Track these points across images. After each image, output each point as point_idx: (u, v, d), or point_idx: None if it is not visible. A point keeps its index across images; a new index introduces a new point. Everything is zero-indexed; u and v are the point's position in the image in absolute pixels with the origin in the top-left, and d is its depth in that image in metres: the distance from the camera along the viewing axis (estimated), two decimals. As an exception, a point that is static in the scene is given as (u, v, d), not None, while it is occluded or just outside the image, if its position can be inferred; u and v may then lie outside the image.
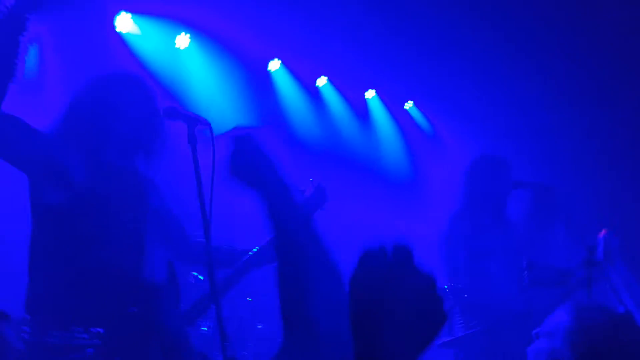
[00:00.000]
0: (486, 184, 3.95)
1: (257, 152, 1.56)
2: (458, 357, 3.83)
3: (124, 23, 4.63)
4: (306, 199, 2.79)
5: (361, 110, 6.51)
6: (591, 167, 5.77)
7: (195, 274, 3.67)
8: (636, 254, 3.09)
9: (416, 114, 6.81)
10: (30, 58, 2.70)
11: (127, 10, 4.62)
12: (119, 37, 4.64)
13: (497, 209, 4.01)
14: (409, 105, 6.77)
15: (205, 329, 3.74)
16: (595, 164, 5.76)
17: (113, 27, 4.59)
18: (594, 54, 5.20)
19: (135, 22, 4.67)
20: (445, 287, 3.86)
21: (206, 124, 2.40)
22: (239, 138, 1.61)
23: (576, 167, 5.76)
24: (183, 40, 4.98)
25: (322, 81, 6.13)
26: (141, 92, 2.66)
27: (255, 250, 2.83)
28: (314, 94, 6.12)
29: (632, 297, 3.00)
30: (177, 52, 5.01)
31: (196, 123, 2.40)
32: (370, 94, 6.50)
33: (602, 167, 5.76)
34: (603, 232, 2.78)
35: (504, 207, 4.01)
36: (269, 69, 5.67)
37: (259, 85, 5.58)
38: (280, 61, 5.69)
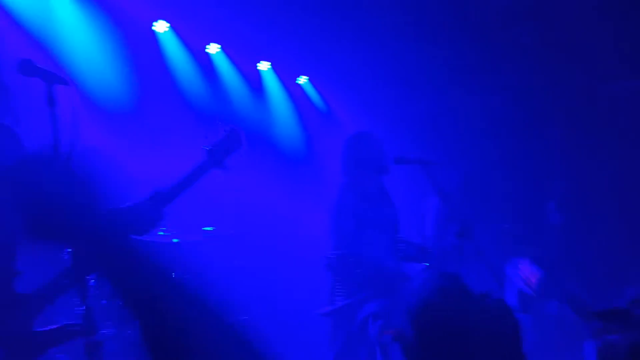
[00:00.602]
0: (366, 158, 4.03)
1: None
2: (337, 325, 3.85)
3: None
4: (219, 141, 2.76)
5: (254, 82, 6.36)
6: (476, 146, 6.01)
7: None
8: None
9: (310, 90, 6.76)
10: None
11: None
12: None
13: (378, 182, 4.11)
14: (303, 80, 6.71)
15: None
16: (479, 141, 5.99)
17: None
18: (477, 33, 5.36)
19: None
20: (330, 254, 3.88)
21: (68, 82, 2.18)
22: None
23: (463, 143, 5.99)
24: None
25: (213, 49, 5.91)
26: None
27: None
28: (205, 62, 5.89)
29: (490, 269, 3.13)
30: (53, 8, 4.61)
31: (56, 81, 2.18)
32: (264, 66, 6.36)
33: (487, 145, 6.00)
34: None
35: (383, 180, 4.11)
36: (154, 29, 5.37)
37: (144, 47, 5.27)
38: (168, 24, 5.40)
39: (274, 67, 6.40)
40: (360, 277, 3.80)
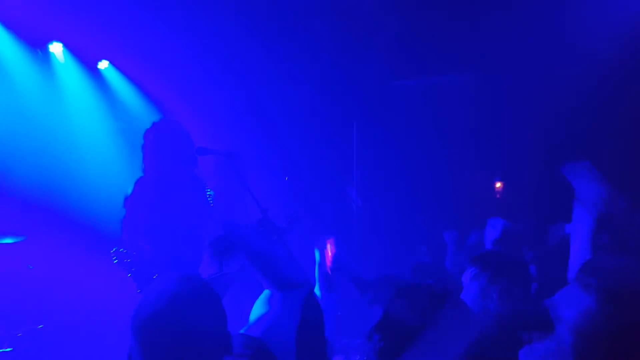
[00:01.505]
0: (165, 148, 3.90)
1: None
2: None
3: None
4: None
5: (45, 64, 5.81)
6: (287, 137, 6.16)
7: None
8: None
9: (111, 74, 6.35)
10: None
11: None
12: None
13: (178, 173, 3.99)
14: (103, 65, 6.27)
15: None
16: (291, 133, 6.16)
17: None
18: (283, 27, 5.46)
19: None
20: (121, 249, 3.73)
21: None
22: None
23: (277, 134, 6.12)
24: None
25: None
26: None
27: None
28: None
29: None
30: None
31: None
32: (56, 48, 5.84)
33: (298, 137, 6.17)
34: None
35: (185, 170, 3.99)
36: None
37: None
38: None
39: (68, 49, 5.90)
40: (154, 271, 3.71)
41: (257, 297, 2.08)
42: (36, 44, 5.68)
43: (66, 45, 5.88)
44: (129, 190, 3.88)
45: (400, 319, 1.56)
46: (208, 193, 4.16)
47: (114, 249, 3.70)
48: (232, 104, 6.17)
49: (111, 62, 6.28)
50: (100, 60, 6.22)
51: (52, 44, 5.80)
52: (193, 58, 5.90)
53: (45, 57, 5.81)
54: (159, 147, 3.93)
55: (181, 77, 6.12)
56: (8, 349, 4.24)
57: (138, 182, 3.90)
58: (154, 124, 4.06)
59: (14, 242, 4.59)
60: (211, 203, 4.20)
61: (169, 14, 5.27)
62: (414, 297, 1.60)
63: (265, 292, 2.05)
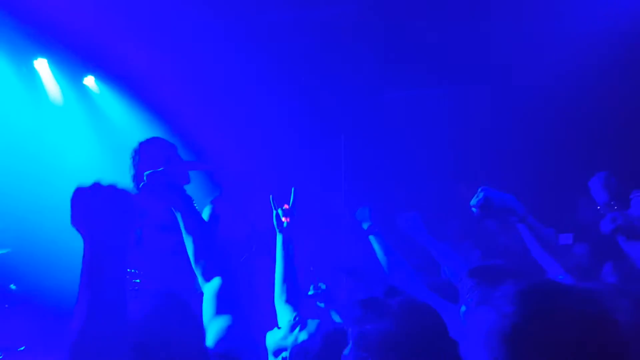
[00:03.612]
0: (153, 166, 3.82)
1: None
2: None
3: None
4: None
5: (30, 79, 5.75)
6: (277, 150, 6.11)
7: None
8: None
9: (98, 89, 6.29)
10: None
11: None
12: None
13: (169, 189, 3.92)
14: (89, 80, 6.22)
15: None
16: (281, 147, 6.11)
17: None
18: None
19: None
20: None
21: None
22: None
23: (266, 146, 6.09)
24: None
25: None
26: None
27: None
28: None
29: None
30: None
31: None
32: (40, 63, 5.78)
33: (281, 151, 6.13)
34: None
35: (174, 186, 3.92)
36: None
37: None
38: None
39: (54, 63, 5.85)
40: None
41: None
42: (21, 60, 5.62)
43: (51, 61, 5.82)
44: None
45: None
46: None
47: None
48: (216, 116, 6.11)
49: (96, 77, 6.23)
50: (86, 75, 6.18)
51: (37, 59, 5.75)
52: (178, 71, 5.85)
53: (30, 72, 5.75)
54: (147, 164, 3.85)
55: (166, 91, 6.06)
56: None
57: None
58: (139, 143, 3.98)
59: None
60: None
61: (151, 27, 5.24)
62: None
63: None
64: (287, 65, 5.67)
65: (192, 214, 2.35)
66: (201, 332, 1.64)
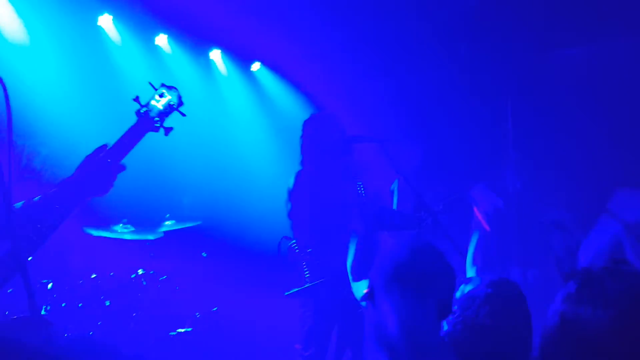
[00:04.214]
0: (323, 141, 3.98)
1: None
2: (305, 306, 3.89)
3: None
4: (152, 102, 2.64)
5: (206, 70, 6.28)
6: (431, 121, 6.06)
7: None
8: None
9: (264, 76, 6.70)
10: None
11: None
12: None
13: (335, 164, 4.08)
14: (256, 67, 6.64)
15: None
16: (434, 116, 6.04)
17: None
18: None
19: None
20: (293, 242, 3.91)
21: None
22: None
23: (418, 119, 6.04)
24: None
25: (161, 39, 5.81)
26: None
27: None
28: (154, 52, 5.79)
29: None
30: None
31: None
32: (215, 54, 6.29)
33: (441, 120, 6.04)
34: None
35: (341, 161, 4.07)
36: (99, 24, 5.26)
37: (88, 40, 5.15)
38: (111, 16, 5.28)
39: (226, 53, 6.33)
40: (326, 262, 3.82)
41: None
42: (198, 51, 6.15)
43: (223, 50, 6.31)
44: (290, 183, 3.99)
45: None
46: (358, 184, 4.21)
47: (290, 242, 3.87)
48: (381, 92, 6.17)
49: (263, 63, 6.64)
50: (253, 62, 6.61)
51: (211, 50, 6.26)
52: (342, 50, 6.00)
53: (205, 62, 6.28)
54: (316, 138, 4.05)
55: (330, 70, 6.27)
56: (189, 329, 4.65)
57: (298, 175, 4.00)
58: (311, 116, 4.20)
59: (191, 226, 4.99)
60: (362, 194, 4.27)
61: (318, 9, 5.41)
62: None
63: None
64: (446, 28, 5.49)
65: None
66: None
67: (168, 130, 2.68)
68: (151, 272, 4.64)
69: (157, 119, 2.64)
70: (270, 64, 6.63)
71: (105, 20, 5.26)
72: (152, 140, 2.65)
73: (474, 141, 5.85)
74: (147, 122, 2.61)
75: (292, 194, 3.97)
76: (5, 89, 2.15)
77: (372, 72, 6.30)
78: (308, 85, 6.55)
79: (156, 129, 2.65)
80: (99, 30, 5.27)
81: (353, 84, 6.41)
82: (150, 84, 2.71)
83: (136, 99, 2.65)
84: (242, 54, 6.41)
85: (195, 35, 5.92)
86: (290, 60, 6.40)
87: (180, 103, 2.73)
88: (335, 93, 6.23)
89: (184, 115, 2.73)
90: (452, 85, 5.90)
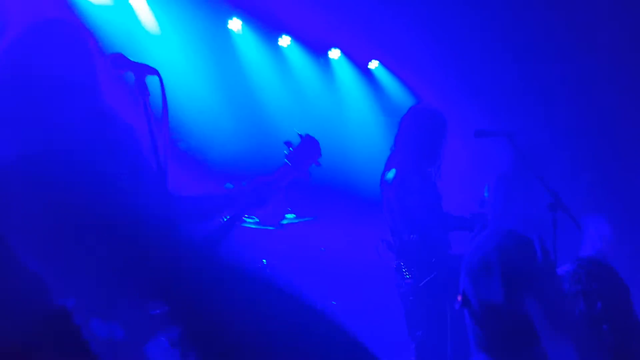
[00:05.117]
0: (427, 136, 3.94)
1: None
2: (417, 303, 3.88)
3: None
4: (296, 151, 2.71)
5: (326, 70, 6.44)
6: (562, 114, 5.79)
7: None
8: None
9: (382, 74, 6.76)
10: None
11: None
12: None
13: (439, 162, 4.05)
14: (374, 65, 6.71)
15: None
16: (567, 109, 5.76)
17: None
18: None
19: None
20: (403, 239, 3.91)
21: (155, 72, 2.34)
22: None
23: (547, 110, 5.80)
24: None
25: (285, 41, 6.04)
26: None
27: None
28: (278, 54, 6.03)
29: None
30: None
31: (145, 72, 2.35)
32: (335, 53, 6.43)
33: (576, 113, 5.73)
34: None
35: (442, 158, 4.02)
36: (229, 27, 5.56)
37: (219, 44, 5.47)
38: (241, 21, 5.58)
39: (344, 53, 6.46)
40: (431, 258, 3.80)
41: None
42: (318, 51, 6.32)
43: (342, 50, 6.45)
44: (390, 176, 3.94)
45: None
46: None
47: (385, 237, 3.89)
48: (510, 83, 5.96)
49: (381, 62, 6.70)
50: (370, 60, 6.69)
51: (331, 50, 6.42)
52: (467, 40, 5.89)
53: (325, 62, 6.44)
54: (416, 132, 3.98)
55: (448, 64, 6.20)
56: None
57: (405, 170, 3.92)
58: (420, 111, 4.09)
59: (305, 221, 5.13)
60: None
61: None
62: None
63: None
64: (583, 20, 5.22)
65: None
66: None
67: (310, 176, 2.80)
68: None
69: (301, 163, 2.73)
70: (387, 64, 6.67)
71: (235, 24, 5.56)
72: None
73: (610, 136, 5.49)
74: (295, 166, 2.72)
75: (401, 189, 3.89)
76: (161, 81, 2.37)
77: (503, 61, 6.04)
78: (432, 81, 6.48)
79: (303, 174, 2.76)
80: (229, 33, 5.57)
81: (481, 74, 6.17)
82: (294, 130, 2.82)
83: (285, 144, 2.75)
84: (359, 53, 6.50)
85: (316, 37, 6.10)
86: (408, 61, 6.39)
87: (319, 151, 2.81)
88: (456, 87, 6.12)
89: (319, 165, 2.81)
90: (589, 77, 5.53)
